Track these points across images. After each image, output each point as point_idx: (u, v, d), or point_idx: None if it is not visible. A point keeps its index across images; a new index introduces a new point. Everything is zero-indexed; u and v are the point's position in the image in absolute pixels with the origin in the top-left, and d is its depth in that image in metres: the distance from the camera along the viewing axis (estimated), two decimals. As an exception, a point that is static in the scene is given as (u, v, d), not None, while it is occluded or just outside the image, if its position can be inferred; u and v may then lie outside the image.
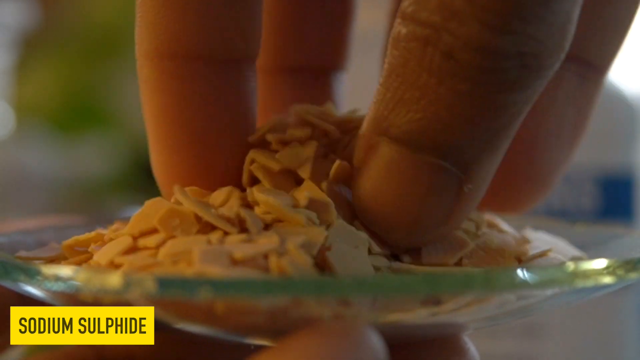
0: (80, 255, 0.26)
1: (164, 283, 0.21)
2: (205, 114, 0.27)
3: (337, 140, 0.27)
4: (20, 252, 0.27)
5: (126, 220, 0.26)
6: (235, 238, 0.23)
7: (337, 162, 0.26)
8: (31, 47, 0.88)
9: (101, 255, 0.24)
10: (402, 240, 0.25)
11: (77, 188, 0.85)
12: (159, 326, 0.24)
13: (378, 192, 0.25)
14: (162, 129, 0.27)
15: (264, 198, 0.24)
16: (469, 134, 0.24)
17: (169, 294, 0.21)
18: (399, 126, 0.24)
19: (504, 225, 0.28)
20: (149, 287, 0.21)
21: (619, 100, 0.47)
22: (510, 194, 0.28)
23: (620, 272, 0.23)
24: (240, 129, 0.27)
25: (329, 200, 0.25)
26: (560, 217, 0.46)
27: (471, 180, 0.25)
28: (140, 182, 0.87)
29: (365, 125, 0.25)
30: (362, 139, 0.25)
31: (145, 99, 0.27)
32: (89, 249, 0.26)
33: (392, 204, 0.25)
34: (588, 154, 0.46)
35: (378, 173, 0.25)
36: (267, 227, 0.24)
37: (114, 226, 0.27)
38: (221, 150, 0.27)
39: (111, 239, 0.25)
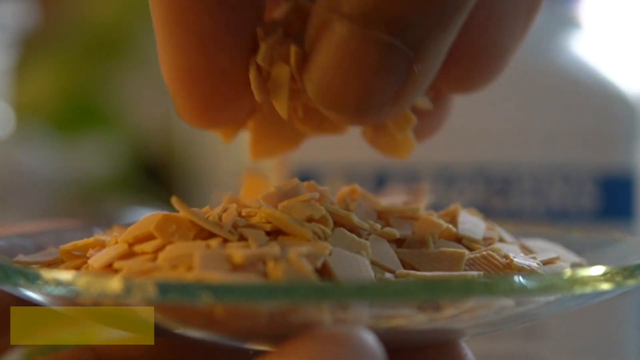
0: (77, 260, 0.26)
1: (165, 288, 0.21)
2: (208, 11, 0.26)
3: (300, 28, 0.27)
4: (19, 256, 0.28)
5: (125, 226, 0.26)
6: (235, 244, 0.23)
7: (293, 48, 0.26)
8: (31, 47, 0.88)
9: (95, 260, 0.24)
10: (352, 120, 0.25)
11: (77, 188, 0.85)
12: (159, 332, 0.24)
13: (328, 70, 0.25)
14: (166, 30, 0.27)
15: (270, 211, 0.24)
16: (421, 12, 0.24)
17: (169, 299, 0.21)
18: (351, 2, 0.24)
19: (506, 236, 0.28)
20: (149, 292, 0.21)
21: (619, 100, 0.47)
22: (464, 72, 0.28)
23: (618, 278, 0.23)
24: (245, 27, 0.27)
25: (325, 213, 0.25)
26: (560, 218, 0.46)
27: (421, 60, 0.24)
28: (140, 182, 0.87)
29: (317, 3, 0.25)
30: (314, 17, 0.25)
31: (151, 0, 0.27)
32: (87, 254, 0.26)
33: (341, 82, 0.25)
34: (588, 154, 0.46)
35: (329, 51, 0.25)
36: (268, 234, 0.24)
37: (113, 231, 0.27)
38: (226, 49, 0.27)
39: (111, 243, 0.25)
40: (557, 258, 0.26)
